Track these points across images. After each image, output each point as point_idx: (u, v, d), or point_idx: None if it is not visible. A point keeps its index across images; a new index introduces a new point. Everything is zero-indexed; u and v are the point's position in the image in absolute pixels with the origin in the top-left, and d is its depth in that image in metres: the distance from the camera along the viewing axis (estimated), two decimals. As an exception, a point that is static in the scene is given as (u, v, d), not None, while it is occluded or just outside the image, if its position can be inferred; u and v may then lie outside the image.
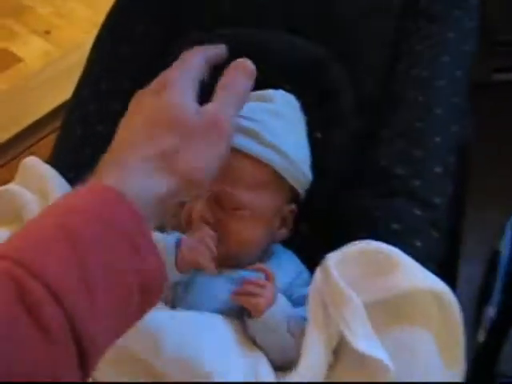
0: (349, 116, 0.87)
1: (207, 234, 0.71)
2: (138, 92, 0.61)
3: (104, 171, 0.53)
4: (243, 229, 0.75)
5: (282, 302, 0.72)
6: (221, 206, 0.74)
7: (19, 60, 1.68)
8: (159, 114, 0.57)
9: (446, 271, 0.79)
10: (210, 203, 0.73)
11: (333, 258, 0.70)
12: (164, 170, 0.54)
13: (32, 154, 0.83)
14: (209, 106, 0.59)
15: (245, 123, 0.73)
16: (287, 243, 0.82)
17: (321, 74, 0.88)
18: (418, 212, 0.78)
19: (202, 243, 0.69)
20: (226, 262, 0.74)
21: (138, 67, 0.94)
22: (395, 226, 0.77)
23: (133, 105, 0.60)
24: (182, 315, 0.71)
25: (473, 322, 1.16)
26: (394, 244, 0.72)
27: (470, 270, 1.16)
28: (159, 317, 0.68)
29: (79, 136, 0.89)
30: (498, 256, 1.19)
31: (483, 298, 1.19)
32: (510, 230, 1.18)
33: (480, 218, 1.28)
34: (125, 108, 0.60)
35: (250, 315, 0.71)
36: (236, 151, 0.71)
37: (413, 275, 0.70)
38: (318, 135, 0.87)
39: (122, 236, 0.49)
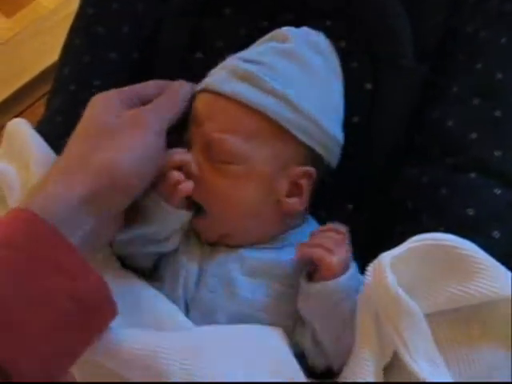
0: (408, 62, 0.69)
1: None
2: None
3: (30, 195, 0.55)
4: (233, 187, 0.61)
5: (355, 272, 0.58)
6: (209, 160, 0.61)
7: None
8: (86, 124, 0.60)
9: None
10: (197, 157, 0.62)
11: (388, 258, 0.53)
12: (80, 171, 0.55)
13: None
14: (134, 109, 0.61)
15: (243, 66, 0.63)
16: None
17: (373, 6, 0.70)
18: (498, 191, 0.60)
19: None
20: (222, 239, 0.63)
21: (141, 6, 0.78)
22: (469, 212, 0.59)
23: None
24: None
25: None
26: (467, 235, 0.55)
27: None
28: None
29: (72, 91, 0.73)
30: None
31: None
32: None
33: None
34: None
35: (310, 277, 0.58)
36: (231, 99, 0.61)
37: (492, 279, 0.53)
38: (368, 86, 0.70)
39: (46, 262, 0.49)
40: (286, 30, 0.66)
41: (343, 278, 0.56)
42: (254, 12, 0.76)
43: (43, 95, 1.41)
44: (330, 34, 0.70)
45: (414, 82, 0.69)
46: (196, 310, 0.60)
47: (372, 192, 0.68)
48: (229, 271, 0.61)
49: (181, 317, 0.59)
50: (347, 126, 0.69)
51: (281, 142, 0.61)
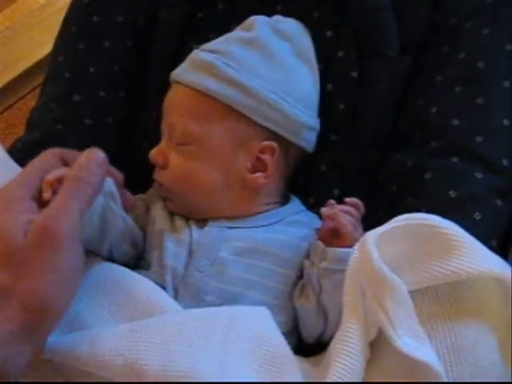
0: (392, 54, 0.71)
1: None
2: None
3: None
4: (194, 168, 0.65)
5: None
6: (172, 145, 0.67)
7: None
8: None
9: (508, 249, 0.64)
10: (163, 146, 0.67)
11: (372, 237, 0.56)
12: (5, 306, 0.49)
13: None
14: (38, 216, 0.51)
15: (202, 56, 0.67)
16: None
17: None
18: (479, 175, 0.62)
19: None
20: (194, 214, 0.66)
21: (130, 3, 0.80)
22: (451, 193, 0.62)
23: None
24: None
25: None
26: (449, 216, 0.57)
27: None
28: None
29: (67, 79, 0.75)
30: None
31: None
32: None
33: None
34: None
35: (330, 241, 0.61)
36: (190, 88, 0.66)
37: (471, 257, 0.55)
38: (354, 74, 0.72)
39: None
40: (254, 19, 0.70)
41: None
42: (245, 5, 0.78)
43: (34, 88, 1.42)
44: (316, 24, 0.74)
45: (398, 72, 0.72)
46: (185, 291, 0.62)
47: (357, 177, 0.70)
48: (217, 251, 0.64)
49: (169, 301, 0.60)
50: (333, 112, 0.72)
51: (236, 123, 0.65)
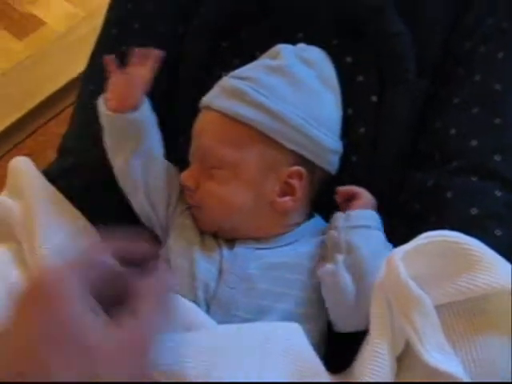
0: (410, 77, 0.74)
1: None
2: (19, 297, 0.47)
3: None
4: (225, 191, 0.68)
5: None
6: (205, 168, 0.69)
7: (42, 23, 1.58)
8: (55, 335, 0.44)
9: None
10: (194, 169, 0.71)
11: (400, 253, 0.58)
12: None
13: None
14: (124, 322, 0.47)
15: (232, 82, 0.70)
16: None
17: (377, 25, 0.76)
18: (498, 193, 0.65)
19: None
20: (222, 233, 0.69)
21: (160, 25, 0.83)
22: (472, 211, 0.64)
23: (14, 316, 0.46)
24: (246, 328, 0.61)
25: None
26: (470, 233, 0.60)
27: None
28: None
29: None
30: None
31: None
32: None
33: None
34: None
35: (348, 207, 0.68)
36: (221, 113, 0.69)
37: (495, 272, 0.57)
38: (374, 99, 0.75)
39: None
40: (280, 47, 0.73)
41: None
42: (266, 32, 0.81)
43: (55, 115, 1.46)
44: (336, 50, 0.76)
45: (416, 95, 0.74)
46: (217, 306, 0.64)
47: (379, 197, 0.72)
48: (246, 268, 0.66)
49: (204, 316, 0.63)
50: (354, 136, 0.74)
51: (266, 148, 0.67)
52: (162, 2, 0.85)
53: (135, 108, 0.70)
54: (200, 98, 0.73)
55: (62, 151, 0.78)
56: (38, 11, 1.60)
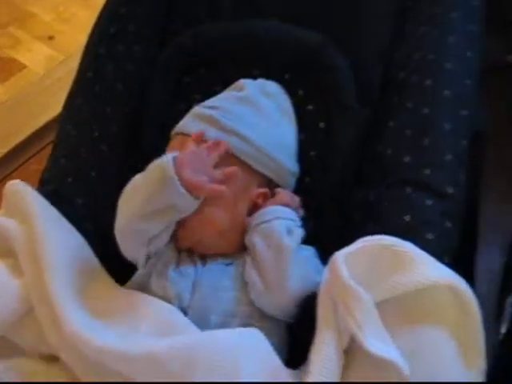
0: (351, 104, 0.84)
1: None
2: None
3: None
4: (206, 210, 0.73)
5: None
6: None
7: (23, 67, 1.67)
8: None
9: (463, 264, 0.74)
10: None
11: (342, 256, 0.66)
12: None
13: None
14: None
15: (204, 111, 0.79)
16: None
17: (320, 61, 0.86)
18: (429, 202, 0.74)
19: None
20: (198, 248, 0.76)
21: (130, 64, 0.92)
22: (406, 218, 0.73)
23: None
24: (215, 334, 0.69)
25: (494, 317, 1.11)
26: (405, 237, 0.69)
27: (491, 260, 1.11)
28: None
29: (73, 137, 0.87)
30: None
31: (504, 287, 1.14)
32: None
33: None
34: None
35: None
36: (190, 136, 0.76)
37: (427, 270, 0.66)
38: (322, 125, 0.85)
39: None
40: (243, 82, 0.82)
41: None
42: (225, 70, 0.91)
43: (36, 153, 1.54)
44: (289, 84, 0.86)
45: (358, 122, 0.84)
46: (192, 312, 0.72)
47: (328, 211, 0.81)
48: (219, 281, 0.74)
49: (186, 322, 0.70)
50: (305, 159, 0.84)
51: (239, 170, 0.74)
52: (130, 44, 0.94)
53: None
54: (163, 127, 0.81)
55: (42, 181, 0.86)
56: (18, 55, 1.69)
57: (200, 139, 0.73)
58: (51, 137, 1.51)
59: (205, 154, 0.71)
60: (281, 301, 0.72)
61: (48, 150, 1.34)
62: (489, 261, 1.03)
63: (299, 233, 0.74)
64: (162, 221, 0.71)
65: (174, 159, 0.69)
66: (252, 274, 0.73)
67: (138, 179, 0.72)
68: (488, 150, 0.95)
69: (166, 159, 0.69)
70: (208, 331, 0.68)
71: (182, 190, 0.68)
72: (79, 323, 0.66)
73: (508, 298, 1.09)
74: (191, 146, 0.71)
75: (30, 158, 1.51)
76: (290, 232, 0.73)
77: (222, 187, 0.70)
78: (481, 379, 0.67)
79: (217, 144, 0.72)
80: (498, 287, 1.14)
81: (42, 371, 0.68)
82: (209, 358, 0.63)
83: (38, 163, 1.48)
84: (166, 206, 0.70)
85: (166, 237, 0.74)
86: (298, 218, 0.76)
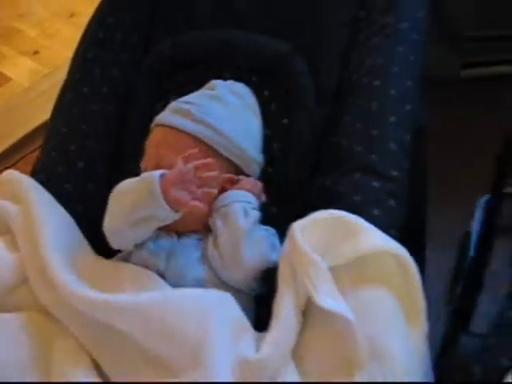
0: (311, 104, 0.96)
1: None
2: None
3: None
4: None
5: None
6: None
7: (8, 79, 1.76)
8: None
9: (412, 238, 0.86)
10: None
11: (297, 227, 0.77)
12: None
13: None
14: None
15: (180, 105, 0.90)
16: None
17: (284, 67, 0.98)
18: (376, 184, 0.85)
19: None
20: (175, 228, 0.85)
21: (117, 72, 1.03)
22: (356, 198, 0.84)
23: None
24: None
25: (445, 304, 1.21)
26: (355, 214, 0.79)
27: (442, 254, 1.23)
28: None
29: (63, 133, 0.96)
30: (469, 236, 1.25)
31: (456, 280, 1.24)
32: (479, 211, 1.24)
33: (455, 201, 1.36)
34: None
35: None
36: (173, 128, 0.88)
37: (372, 239, 0.77)
38: (285, 121, 0.96)
39: None
40: (215, 82, 0.94)
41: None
42: (200, 74, 1.02)
43: (20, 159, 1.63)
44: (256, 85, 0.97)
45: (315, 120, 0.96)
46: (167, 279, 0.82)
47: (289, 198, 0.92)
48: (190, 252, 0.85)
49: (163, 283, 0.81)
50: (270, 150, 0.94)
51: (208, 155, 0.85)
52: (116, 51, 1.04)
53: None
54: (145, 129, 0.92)
55: (33, 172, 0.96)
56: (4, 69, 1.79)
57: (188, 160, 0.81)
58: (36, 145, 1.62)
59: (191, 174, 0.79)
60: (237, 275, 0.82)
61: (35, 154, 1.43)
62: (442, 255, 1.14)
63: (255, 214, 0.85)
64: (145, 227, 0.82)
65: (161, 176, 0.79)
66: (212, 252, 0.84)
67: (126, 187, 0.83)
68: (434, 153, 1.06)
69: (154, 175, 0.79)
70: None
71: (165, 206, 0.78)
72: (72, 283, 0.76)
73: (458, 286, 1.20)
74: (179, 164, 0.80)
75: (17, 162, 1.60)
76: (246, 214, 0.84)
77: (202, 205, 0.79)
78: (423, 339, 0.77)
79: (206, 165, 0.81)
80: (450, 279, 1.25)
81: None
82: (183, 306, 0.74)
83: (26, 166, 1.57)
84: (149, 217, 0.80)
85: (150, 233, 0.84)
86: (255, 202, 0.87)
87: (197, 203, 0.78)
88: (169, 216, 0.80)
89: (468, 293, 1.05)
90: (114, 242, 0.84)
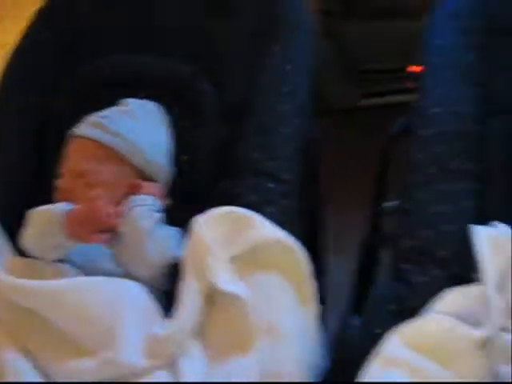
0: (215, 120, 1.08)
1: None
2: None
3: None
4: (94, 194, 0.95)
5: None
6: (75, 177, 0.97)
7: None
8: None
9: (309, 236, 1.00)
10: (68, 177, 0.98)
11: (198, 222, 0.88)
12: None
13: None
14: None
15: (94, 119, 1.01)
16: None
17: (189, 89, 1.11)
18: (270, 186, 0.98)
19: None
20: None
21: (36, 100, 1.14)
22: (253, 198, 0.97)
23: None
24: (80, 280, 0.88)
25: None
26: (254, 211, 0.91)
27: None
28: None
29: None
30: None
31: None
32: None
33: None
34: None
35: None
36: (88, 138, 0.98)
37: (264, 231, 0.89)
38: (192, 136, 1.08)
39: None
40: (128, 100, 1.05)
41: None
42: (117, 93, 1.12)
43: None
44: (166, 104, 1.09)
45: (220, 133, 1.08)
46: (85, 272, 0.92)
47: (196, 202, 1.03)
48: (102, 249, 0.95)
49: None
50: (179, 161, 1.06)
51: (121, 164, 0.98)
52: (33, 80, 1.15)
53: None
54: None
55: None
56: None
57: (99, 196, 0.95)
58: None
59: (97, 214, 0.91)
60: (144, 271, 0.92)
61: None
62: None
63: (156, 216, 0.95)
64: (55, 252, 0.92)
65: (68, 212, 0.91)
66: (121, 250, 0.94)
67: (37, 216, 0.94)
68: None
69: (61, 210, 0.91)
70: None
71: (68, 239, 0.90)
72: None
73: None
74: (86, 204, 0.92)
75: None
76: (148, 216, 0.94)
77: (102, 238, 0.92)
78: (314, 318, 0.89)
79: (117, 214, 0.93)
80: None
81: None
82: (97, 292, 0.84)
83: None
84: (57, 245, 0.91)
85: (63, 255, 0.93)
86: (158, 204, 0.97)
87: (97, 238, 0.91)
88: (74, 245, 0.91)
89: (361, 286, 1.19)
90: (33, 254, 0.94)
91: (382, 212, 1.16)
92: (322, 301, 1.11)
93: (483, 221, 0.94)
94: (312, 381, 0.84)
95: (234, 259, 0.88)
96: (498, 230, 0.93)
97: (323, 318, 0.96)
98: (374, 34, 1.95)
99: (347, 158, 1.72)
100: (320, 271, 1.12)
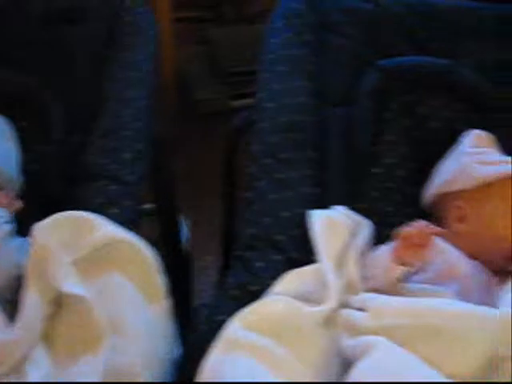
0: (60, 131, 1.09)
1: None
2: None
3: None
4: None
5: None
6: None
7: None
8: None
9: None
10: None
11: (39, 226, 0.89)
12: None
13: None
14: None
15: None
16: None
17: (35, 103, 1.11)
18: (113, 187, 1.00)
19: None
20: None
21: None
22: (98, 201, 0.99)
23: None
24: None
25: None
26: (97, 213, 0.93)
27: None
28: None
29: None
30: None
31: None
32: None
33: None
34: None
35: None
36: None
37: (106, 232, 0.91)
38: (40, 147, 1.10)
39: None
40: None
41: None
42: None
43: None
44: (14, 117, 1.10)
45: (67, 144, 1.09)
46: None
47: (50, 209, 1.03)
48: None
49: None
50: (29, 171, 1.07)
51: None
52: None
53: None
54: None
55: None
56: None
57: None
58: None
59: None
60: None
61: None
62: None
63: (5, 227, 0.95)
64: None
65: None
66: None
67: None
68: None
69: None
70: None
71: None
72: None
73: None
74: None
75: None
76: None
77: None
78: (165, 313, 0.92)
79: None
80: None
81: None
82: None
83: None
84: None
85: None
86: (6, 215, 0.97)
87: None
88: None
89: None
90: None
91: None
92: (186, 294, 1.16)
93: (325, 206, 1.01)
94: (164, 375, 0.87)
95: (77, 261, 0.89)
96: (335, 211, 1.00)
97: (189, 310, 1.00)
98: (240, 38, 2.02)
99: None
100: (180, 266, 1.16)
